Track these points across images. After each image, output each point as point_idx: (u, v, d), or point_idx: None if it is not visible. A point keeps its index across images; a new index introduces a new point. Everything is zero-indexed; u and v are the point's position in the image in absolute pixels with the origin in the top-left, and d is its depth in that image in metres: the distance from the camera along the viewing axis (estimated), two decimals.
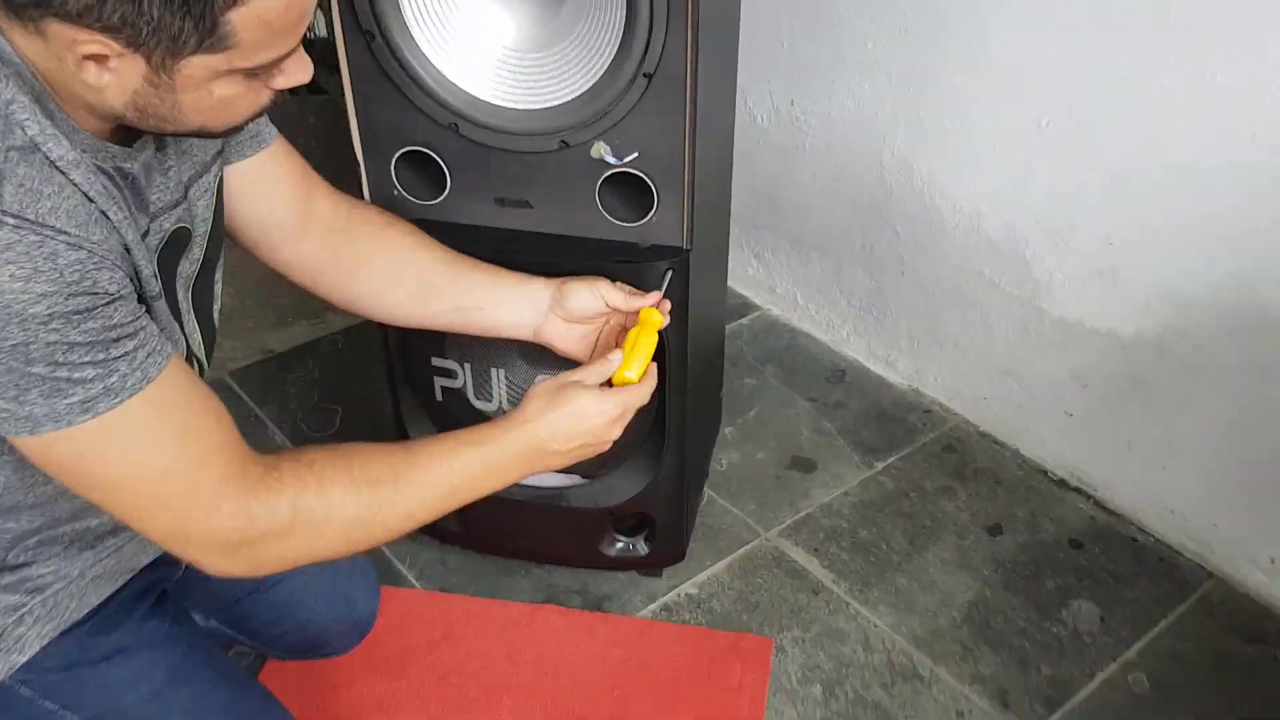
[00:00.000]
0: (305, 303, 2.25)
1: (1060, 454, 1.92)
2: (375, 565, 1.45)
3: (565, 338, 1.30)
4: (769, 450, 1.98)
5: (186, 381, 0.92)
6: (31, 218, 0.79)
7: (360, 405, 2.05)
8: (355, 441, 1.04)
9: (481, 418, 1.54)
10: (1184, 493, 1.77)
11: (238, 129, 0.93)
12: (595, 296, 1.27)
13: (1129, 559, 1.78)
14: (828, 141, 2.05)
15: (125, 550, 1.12)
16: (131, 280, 0.89)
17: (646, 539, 1.64)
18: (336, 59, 1.32)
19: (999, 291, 1.89)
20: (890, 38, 1.85)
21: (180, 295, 1.04)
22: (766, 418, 2.06)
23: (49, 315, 0.79)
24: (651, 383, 1.21)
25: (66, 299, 0.80)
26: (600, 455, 1.15)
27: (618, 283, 1.30)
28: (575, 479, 1.58)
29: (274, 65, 0.87)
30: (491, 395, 1.52)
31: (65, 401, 0.83)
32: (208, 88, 0.84)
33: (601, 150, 1.31)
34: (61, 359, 0.81)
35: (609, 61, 1.23)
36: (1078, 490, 1.90)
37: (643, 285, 1.33)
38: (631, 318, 1.30)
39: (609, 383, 1.17)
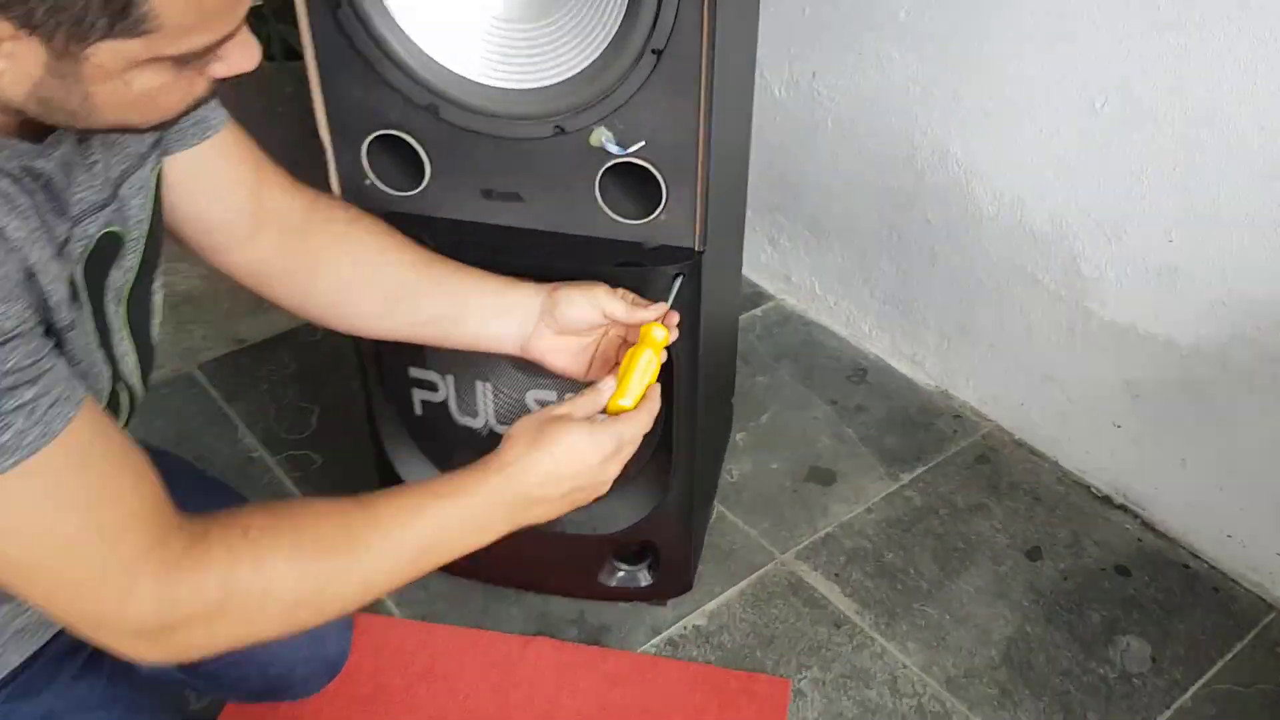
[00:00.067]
0: None
1: (1105, 468, 1.75)
2: None
3: (558, 353, 1.13)
4: (784, 459, 1.81)
5: (100, 434, 0.76)
6: None
7: (339, 404, 1.88)
8: (303, 497, 0.89)
9: (467, 434, 1.37)
10: (1243, 516, 1.60)
11: (169, 123, 0.77)
12: (592, 306, 1.10)
13: (1181, 588, 1.61)
14: (852, 118, 1.86)
15: None
16: (37, 310, 0.73)
17: (650, 568, 1.48)
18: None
19: (1042, 289, 1.71)
20: (926, 2, 1.66)
21: (111, 311, 0.89)
22: (781, 422, 1.89)
23: None
24: (653, 409, 1.04)
25: None
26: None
27: (619, 290, 1.13)
28: None
29: (209, 51, 0.71)
30: (477, 411, 1.35)
31: None
32: (124, 79, 0.69)
33: (602, 137, 1.14)
34: None
35: (612, 35, 1.06)
36: (1123, 508, 1.73)
37: (648, 292, 1.16)
38: (633, 331, 1.13)
39: (604, 411, 1.00)
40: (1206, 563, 1.65)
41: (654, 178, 1.15)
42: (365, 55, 1.13)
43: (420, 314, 1.12)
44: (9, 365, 0.69)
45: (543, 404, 1.32)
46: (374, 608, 1.54)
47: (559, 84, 1.11)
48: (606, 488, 0.99)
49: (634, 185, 1.17)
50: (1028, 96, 1.60)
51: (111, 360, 0.89)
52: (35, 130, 0.75)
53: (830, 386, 1.96)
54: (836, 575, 1.61)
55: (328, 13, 1.11)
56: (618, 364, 1.15)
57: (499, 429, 1.35)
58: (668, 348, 1.08)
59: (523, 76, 1.12)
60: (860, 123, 1.86)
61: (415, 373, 1.34)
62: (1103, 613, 1.57)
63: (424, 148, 1.20)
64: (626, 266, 1.19)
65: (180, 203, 1.00)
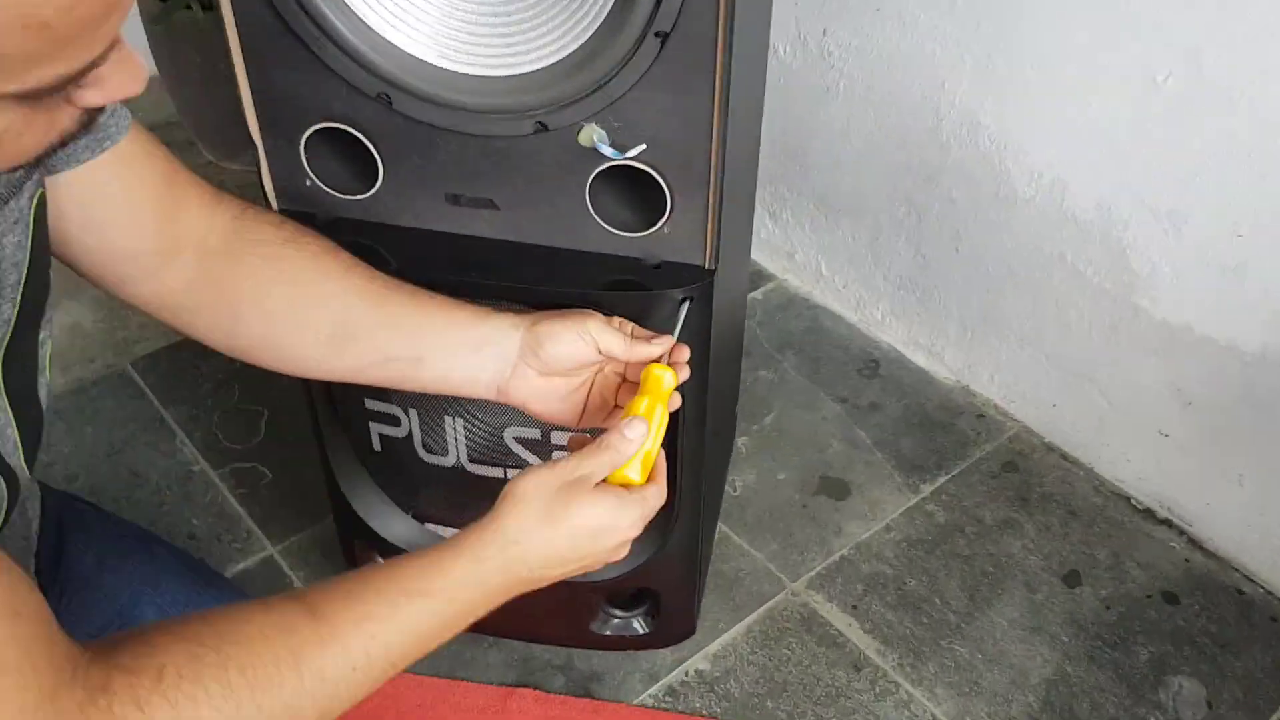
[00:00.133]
0: None
1: (1148, 479, 1.57)
2: None
3: (542, 397, 0.94)
4: (792, 468, 1.63)
5: None
6: None
7: (290, 407, 1.66)
8: (231, 604, 0.71)
9: (435, 472, 1.17)
10: None
11: (33, 163, 0.57)
12: (583, 340, 0.90)
13: (1235, 618, 1.45)
14: (868, 83, 1.65)
15: None
16: None
17: (647, 614, 1.30)
18: None
19: (1083, 281, 1.52)
20: None
21: None
22: (787, 424, 1.70)
23: None
24: (663, 470, 0.86)
25: None
26: None
27: (614, 319, 0.94)
28: None
29: (68, 83, 0.51)
30: (446, 448, 1.15)
31: None
32: None
33: (593, 137, 0.93)
34: None
35: (605, 13, 0.85)
36: (1167, 523, 1.56)
37: (650, 320, 0.96)
38: (634, 369, 0.93)
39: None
40: (1262, 587, 1.49)
41: (657, 183, 0.94)
42: (299, 34, 0.91)
43: (372, 354, 0.92)
44: None
45: (524, 442, 1.13)
46: None
47: (538, 71, 0.90)
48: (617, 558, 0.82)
49: (632, 190, 0.96)
50: (1076, 64, 1.39)
51: None
52: None
53: (840, 381, 1.77)
54: (854, 607, 1.44)
55: None
56: (617, 408, 0.96)
57: (472, 469, 1.15)
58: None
59: (494, 62, 0.91)
60: (877, 88, 1.64)
61: (372, 405, 1.14)
62: (1150, 649, 1.41)
63: (375, 144, 0.99)
64: (623, 289, 0.99)
65: (72, 233, 0.80)
